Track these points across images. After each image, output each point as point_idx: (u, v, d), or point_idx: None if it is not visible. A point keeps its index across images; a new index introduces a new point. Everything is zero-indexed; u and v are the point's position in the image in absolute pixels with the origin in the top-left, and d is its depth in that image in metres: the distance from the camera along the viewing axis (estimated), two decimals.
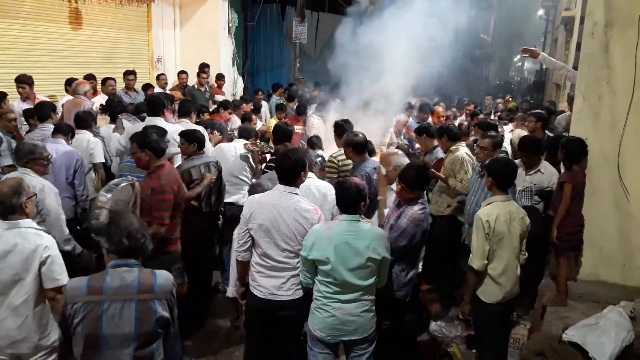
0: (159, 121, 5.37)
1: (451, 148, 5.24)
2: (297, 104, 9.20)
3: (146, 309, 2.28)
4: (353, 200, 3.16)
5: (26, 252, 2.85)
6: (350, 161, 4.74)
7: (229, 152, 5.36)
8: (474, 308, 3.73)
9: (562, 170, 4.73)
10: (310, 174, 4.10)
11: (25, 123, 5.87)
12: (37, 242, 2.89)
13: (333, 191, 4.11)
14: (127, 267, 2.33)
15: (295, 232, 3.22)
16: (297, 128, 8.20)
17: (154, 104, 5.63)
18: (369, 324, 3.21)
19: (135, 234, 2.35)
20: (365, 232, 3.13)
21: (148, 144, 3.84)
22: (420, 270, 4.00)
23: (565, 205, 4.34)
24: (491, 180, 3.68)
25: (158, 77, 8.97)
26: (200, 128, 5.78)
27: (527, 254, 3.80)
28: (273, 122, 8.03)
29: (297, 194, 3.33)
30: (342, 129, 4.96)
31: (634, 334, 3.78)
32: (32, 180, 3.80)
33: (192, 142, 4.83)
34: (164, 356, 2.47)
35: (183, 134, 4.94)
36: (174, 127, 5.42)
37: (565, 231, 4.38)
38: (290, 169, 3.32)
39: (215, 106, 8.10)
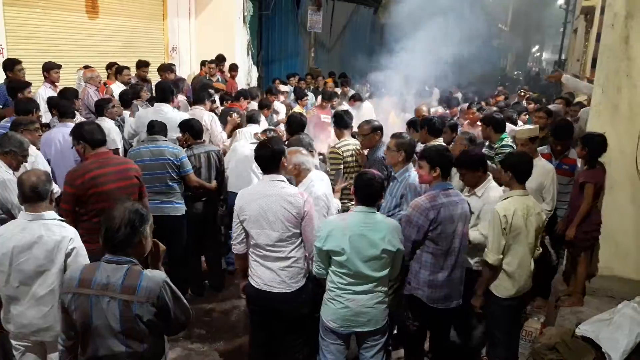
0: (165, 107, 5.60)
1: (428, 144, 4.82)
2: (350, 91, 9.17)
3: (127, 308, 2.26)
4: (374, 192, 3.15)
5: (51, 244, 2.87)
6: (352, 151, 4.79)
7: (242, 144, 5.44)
8: (487, 302, 3.71)
9: (579, 166, 4.67)
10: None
11: (48, 111, 5.89)
12: (62, 234, 2.91)
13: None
14: (117, 264, 2.30)
15: (282, 218, 3.23)
16: (324, 117, 8.14)
17: (163, 91, 5.84)
18: (382, 316, 3.21)
19: (116, 229, 2.29)
20: (380, 223, 3.13)
21: (80, 136, 3.82)
22: None
23: (587, 207, 4.25)
24: (510, 174, 3.62)
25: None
26: (209, 114, 6.08)
27: (541, 249, 3.77)
28: (297, 110, 8.03)
29: (283, 181, 3.35)
30: (342, 120, 4.94)
31: None
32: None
33: (184, 131, 5.03)
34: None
35: (179, 125, 5.10)
36: (178, 114, 5.67)
37: (582, 230, 4.30)
38: (269, 157, 3.34)
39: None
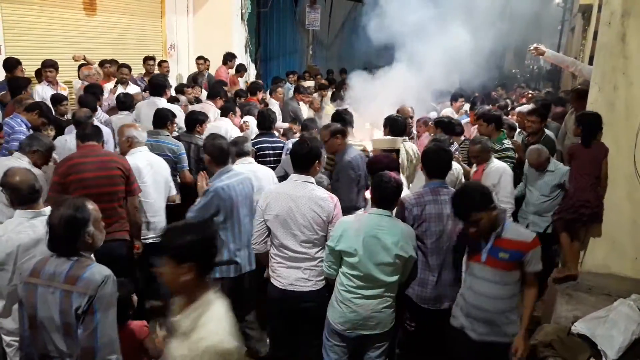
0: (158, 100, 6.06)
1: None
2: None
3: (67, 300, 2.23)
4: (391, 195, 3.09)
5: None
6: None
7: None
8: None
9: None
10: (249, 159, 4.31)
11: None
12: None
13: (273, 178, 4.32)
14: (65, 257, 2.31)
15: (312, 221, 3.20)
16: None
17: (157, 85, 6.31)
18: (389, 319, 3.17)
19: (56, 234, 2.30)
20: (395, 228, 3.07)
21: (80, 137, 4.09)
22: None
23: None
24: None
25: (160, 64, 8.83)
26: (215, 110, 6.44)
27: None
28: (329, 109, 7.95)
29: (312, 183, 3.31)
30: (341, 119, 4.89)
31: None
32: None
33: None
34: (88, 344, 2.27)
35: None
36: (172, 106, 5.96)
37: (566, 207, 4.48)
38: (305, 155, 3.29)
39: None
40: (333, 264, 3.15)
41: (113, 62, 7.76)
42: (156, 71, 8.40)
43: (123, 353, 2.70)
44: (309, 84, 10.14)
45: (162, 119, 4.95)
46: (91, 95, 5.90)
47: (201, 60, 9.28)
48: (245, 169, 4.14)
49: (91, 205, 2.43)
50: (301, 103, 8.60)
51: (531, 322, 4.39)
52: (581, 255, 4.59)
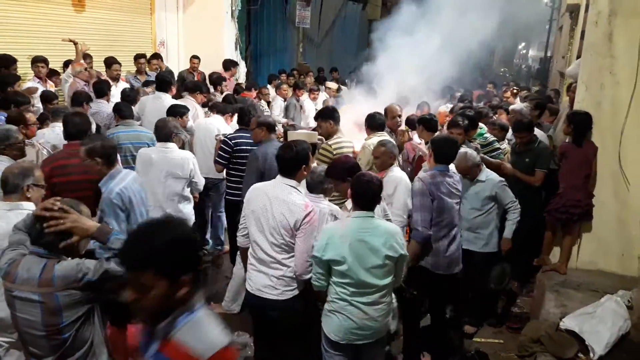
0: (163, 95, 6.31)
1: (365, 138, 4.94)
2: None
3: (49, 302, 2.23)
4: (373, 196, 3.00)
5: None
6: (346, 149, 4.68)
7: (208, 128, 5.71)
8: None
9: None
10: (169, 144, 4.46)
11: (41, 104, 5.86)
12: None
13: (193, 160, 4.58)
14: (38, 256, 2.29)
15: (279, 224, 3.11)
16: None
17: (162, 81, 6.54)
18: (385, 328, 3.13)
19: (41, 225, 2.28)
20: (379, 228, 2.97)
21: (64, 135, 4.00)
22: None
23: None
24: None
25: (149, 62, 8.58)
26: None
27: None
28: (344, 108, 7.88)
29: (294, 187, 3.21)
30: (330, 116, 4.84)
31: (630, 323, 3.83)
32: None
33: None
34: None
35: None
36: (172, 102, 6.11)
37: (555, 202, 4.54)
38: (289, 160, 3.20)
39: None
40: (322, 275, 3.02)
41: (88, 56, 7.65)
42: (145, 69, 8.33)
43: (127, 353, 2.69)
44: (332, 85, 10.05)
45: (127, 109, 5.21)
46: (84, 95, 5.79)
47: (196, 59, 9.20)
48: (160, 154, 4.35)
49: None
50: (307, 100, 8.60)
51: (520, 319, 4.60)
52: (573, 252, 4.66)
